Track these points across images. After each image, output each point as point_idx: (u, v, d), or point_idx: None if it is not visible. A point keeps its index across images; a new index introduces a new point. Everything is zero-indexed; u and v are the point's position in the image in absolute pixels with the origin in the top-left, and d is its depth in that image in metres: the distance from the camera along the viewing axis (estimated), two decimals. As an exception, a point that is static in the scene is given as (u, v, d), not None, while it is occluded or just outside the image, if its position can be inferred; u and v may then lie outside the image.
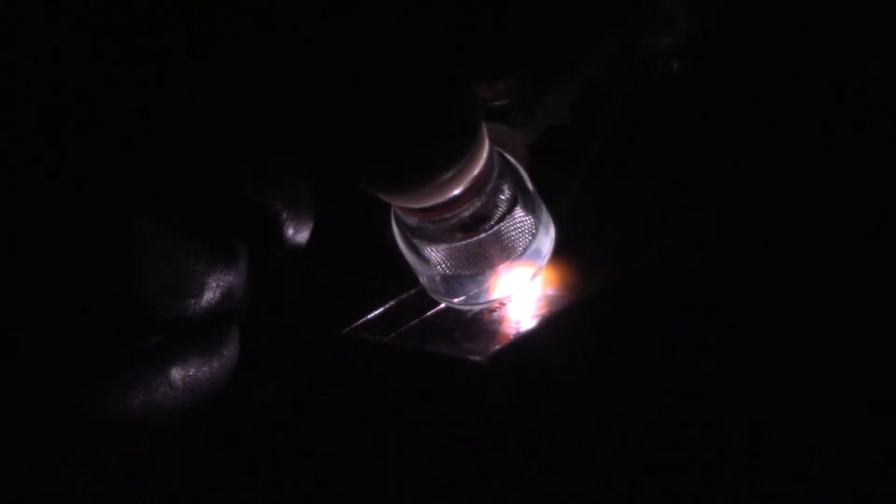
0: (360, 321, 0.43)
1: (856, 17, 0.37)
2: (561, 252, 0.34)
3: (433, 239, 0.30)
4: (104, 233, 0.22)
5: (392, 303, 0.44)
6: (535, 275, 0.33)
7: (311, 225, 0.27)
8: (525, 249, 0.32)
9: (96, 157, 0.22)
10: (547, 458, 0.40)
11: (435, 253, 0.31)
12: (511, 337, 0.43)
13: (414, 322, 0.44)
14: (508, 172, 0.30)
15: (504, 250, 0.31)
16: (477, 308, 0.39)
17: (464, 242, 0.30)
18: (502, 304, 0.41)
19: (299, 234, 0.26)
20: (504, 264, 0.32)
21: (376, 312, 0.44)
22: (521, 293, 0.34)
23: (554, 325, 0.39)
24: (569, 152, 0.42)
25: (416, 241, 0.31)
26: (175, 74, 0.24)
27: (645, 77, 0.40)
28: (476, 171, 0.27)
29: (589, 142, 0.41)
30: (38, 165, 0.22)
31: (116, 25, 0.23)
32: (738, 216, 0.39)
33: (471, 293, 0.33)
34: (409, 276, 0.43)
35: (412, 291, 0.43)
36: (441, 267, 0.32)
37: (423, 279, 0.35)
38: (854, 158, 0.38)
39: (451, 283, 0.33)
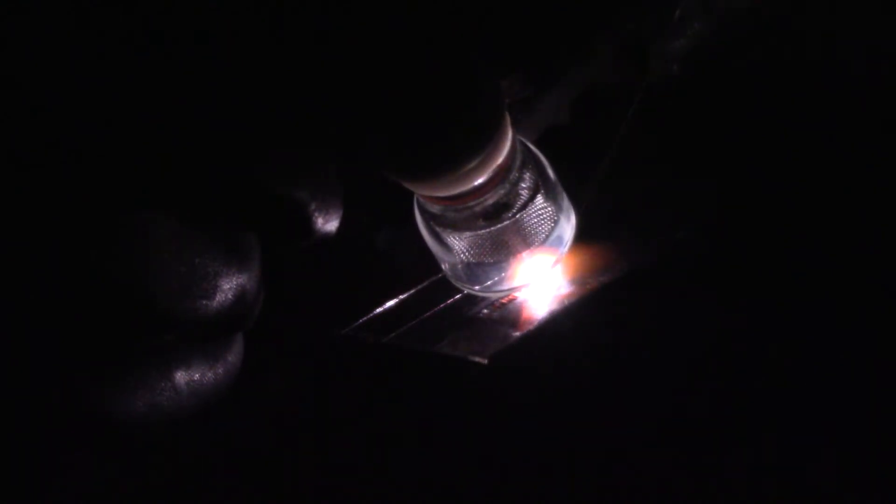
0: (360, 321, 0.41)
1: (858, 20, 0.36)
2: (578, 242, 0.32)
3: (456, 227, 0.29)
4: (115, 230, 0.21)
5: (392, 303, 0.41)
6: (556, 262, 0.32)
7: (340, 213, 0.25)
8: (547, 237, 0.31)
9: (108, 153, 0.21)
10: (550, 459, 0.38)
11: (458, 241, 0.30)
12: (513, 336, 0.41)
13: (414, 322, 0.42)
14: (531, 160, 0.29)
15: (526, 238, 0.30)
16: (498, 295, 0.38)
17: (486, 230, 0.29)
18: (517, 294, 0.39)
19: (329, 223, 0.25)
20: (526, 251, 0.31)
21: (376, 312, 0.41)
22: (541, 280, 0.33)
23: (572, 314, 0.38)
24: (569, 152, 0.40)
25: (438, 229, 0.30)
26: (191, 68, 0.22)
27: (648, 78, 0.39)
28: (500, 159, 0.26)
29: (593, 141, 0.39)
30: (49, 161, 0.20)
31: (127, 15, 0.21)
32: (750, 210, 0.38)
33: (493, 280, 0.32)
34: (408, 277, 0.41)
35: (412, 291, 0.41)
36: (464, 255, 0.31)
37: (444, 266, 0.34)
38: (856, 157, 0.37)
39: (474, 271, 0.32)
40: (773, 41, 0.38)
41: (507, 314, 0.42)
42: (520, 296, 0.40)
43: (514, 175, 0.27)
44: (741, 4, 0.37)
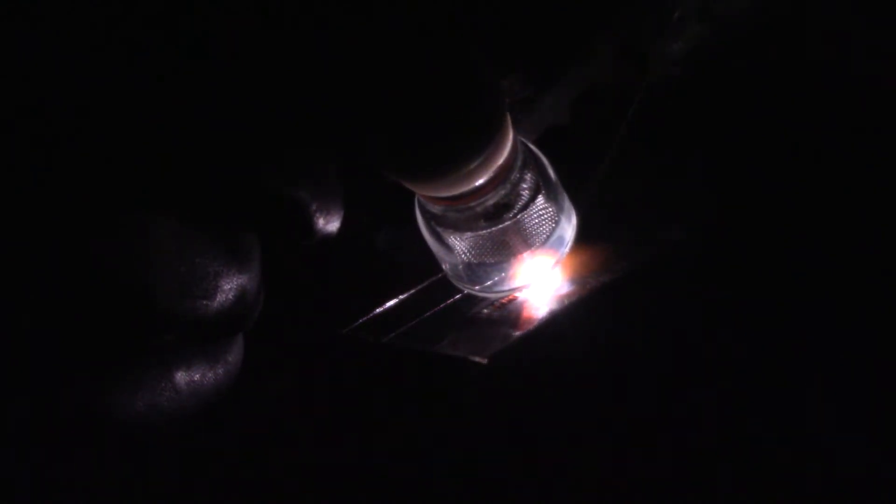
0: (360, 321, 0.41)
1: (858, 20, 0.36)
2: (578, 242, 0.32)
3: (457, 227, 0.29)
4: (115, 230, 0.20)
5: (392, 303, 0.41)
6: (557, 262, 0.32)
7: (341, 214, 0.25)
8: (548, 237, 0.30)
9: (108, 153, 0.21)
10: (550, 458, 0.38)
11: (459, 241, 0.30)
12: (513, 336, 0.41)
13: (414, 322, 0.41)
14: (531, 161, 0.29)
15: (527, 238, 0.30)
16: (499, 295, 0.38)
17: (487, 230, 0.29)
18: (518, 294, 0.39)
19: (330, 224, 0.25)
20: (527, 252, 0.30)
21: (376, 312, 0.41)
22: (541, 281, 0.33)
23: (572, 314, 0.38)
24: (569, 152, 0.40)
25: (439, 230, 0.30)
26: (192, 68, 0.22)
27: (648, 78, 0.39)
28: (501, 159, 0.25)
29: (593, 141, 0.39)
30: (48, 161, 0.20)
31: (128, 15, 0.21)
32: (749, 210, 0.38)
33: (493, 280, 0.32)
34: (408, 277, 0.41)
35: (412, 291, 0.41)
36: (465, 255, 0.31)
37: (445, 266, 0.33)
38: (856, 157, 0.37)
39: (475, 271, 0.32)
40: (773, 41, 0.38)
41: (507, 314, 0.41)
42: (520, 296, 0.40)
43: (514, 175, 0.27)
44: (741, 5, 0.37)
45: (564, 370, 0.39)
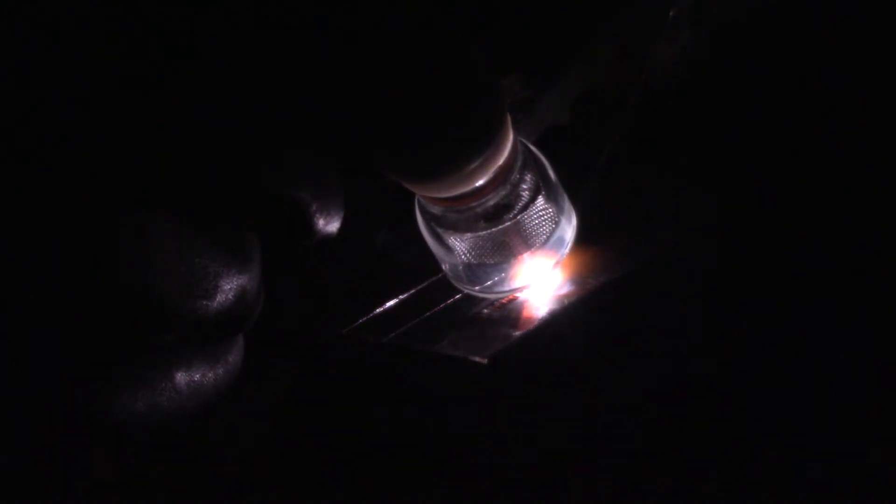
0: (360, 321, 0.41)
1: (858, 21, 0.36)
2: (578, 242, 0.32)
3: (457, 228, 0.29)
4: (115, 230, 0.20)
5: (392, 303, 0.41)
6: (557, 263, 0.32)
7: (341, 214, 0.25)
8: (548, 238, 0.30)
9: (108, 153, 0.21)
10: (550, 458, 0.38)
11: (459, 242, 0.30)
12: (513, 336, 0.41)
13: (414, 322, 0.41)
14: (531, 162, 0.29)
15: (527, 239, 0.30)
16: (499, 296, 0.38)
17: (487, 231, 0.29)
18: (518, 295, 0.39)
19: (330, 224, 0.25)
20: (527, 253, 0.30)
21: (376, 312, 0.41)
22: (540, 282, 0.33)
23: (572, 314, 0.38)
24: (569, 152, 0.40)
25: (439, 230, 0.30)
26: (192, 68, 0.22)
27: (647, 78, 0.39)
28: (501, 160, 0.25)
29: (592, 142, 0.39)
30: (49, 161, 0.20)
31: (128, 15, 0.21)
32: (749, 210, 0.38)
33: (493, 281, 0.32)
34: (408, 277, 0.41)
35: (412, 291, 0.41)
36: (465, 256, 0.31)
37: (445, 267, 0.34)
38: (856, 157, 0.37)
39: (475, 272, 0.32)
40: (773, 41, 0.38)
41: (507, 314, 0.41)
42: (520, 296, 0.40)
43: (515, 176, 0.27)
44: (740, 5, 0.37)
45: (564, 370, 0.39)
